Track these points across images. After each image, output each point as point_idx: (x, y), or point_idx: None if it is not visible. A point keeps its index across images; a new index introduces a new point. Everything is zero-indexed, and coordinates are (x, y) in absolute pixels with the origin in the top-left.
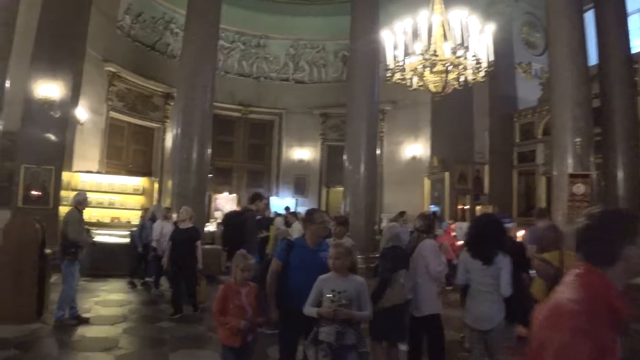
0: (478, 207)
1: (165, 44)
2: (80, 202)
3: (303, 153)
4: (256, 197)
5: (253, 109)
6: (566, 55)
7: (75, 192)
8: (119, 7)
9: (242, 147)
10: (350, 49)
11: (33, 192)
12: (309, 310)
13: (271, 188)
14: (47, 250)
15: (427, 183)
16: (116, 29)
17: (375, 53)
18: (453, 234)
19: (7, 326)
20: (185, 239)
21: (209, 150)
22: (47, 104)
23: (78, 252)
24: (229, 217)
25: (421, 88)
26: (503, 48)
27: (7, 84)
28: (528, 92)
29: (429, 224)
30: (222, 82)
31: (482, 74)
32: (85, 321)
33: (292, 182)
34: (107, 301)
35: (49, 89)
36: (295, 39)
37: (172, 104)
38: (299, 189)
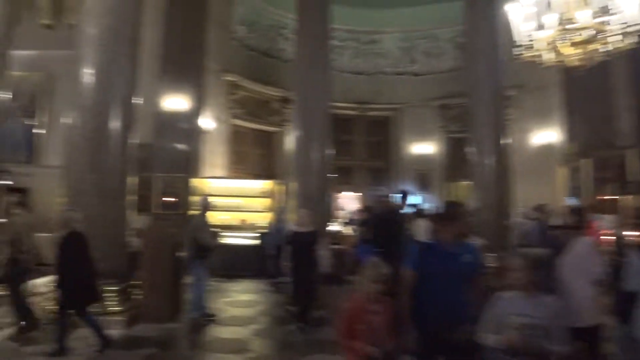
0: (628, 198)
1: (279, 49)
2: (205, 207)
3: (424, 148)
4: (404, 195)
5: (370, 106)
6: None
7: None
8: (234, 19)
9: (361, 146)
10: (466, 32)
11: (167, 199)
12: (488, 337)
13: (393, 185)
14: (180, 254)
15: (561, 172)
16: (232, 40)
17: (494, 34)
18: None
19: (147, 325)
20: (305, 243)
21: (330, 151)
22: (176, 115)
23: (207, 255)
24: (378, 216)
25: (558, 64)
26: None
27: (139, 99)
28: None
29: (580, 219)
30: (337, 81)
31: (632, 39)
32: (212, 316)
33: (413, 178)
34: (238, 302)
35: (176, 102)
36: (407, 30)
37: (289, 107)
38: (422, 185)
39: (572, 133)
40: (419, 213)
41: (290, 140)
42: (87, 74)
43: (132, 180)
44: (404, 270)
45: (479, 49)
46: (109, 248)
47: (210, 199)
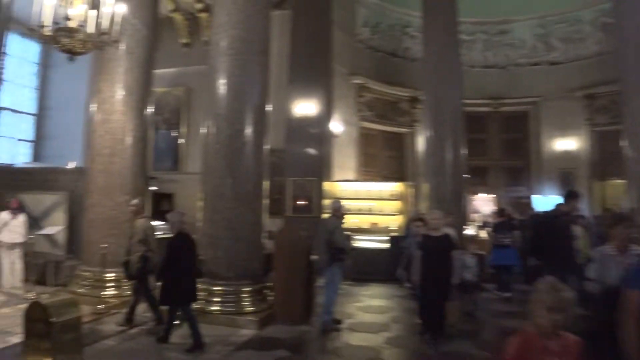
0: None
1: (405, 48)
2: (337, 209)
3: (567, 143)
4: (572, 196)
5: (503, 101)
6: None
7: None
8: (357, 22)
9: (496, 144)
10: (615, 9)
11: (299, 202)
12: None
13: (532, 186)
14: (313, 257)
15: None
16: (357, 43)
17: None
18: None
19: (280, 326)
20: (437, 249)
21: (463, 150)
22: (305, 120)
23: (342, 258)
24: (538, 221)
25: None
26: None
27: (270, 107)
28: None
29: None
30: (467, 77)
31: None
32: (339, 322)
33: (556, 177)
34: (369, 307)
35: (305, 107)
36: (542, 16)
37: (418, 107)
38: (566, 184)
39: None
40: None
41: (420, 141)
42: (221, 84)
43: (265, 185)
44: (626, 292)
45: (631, 26)
46: (245, 250)
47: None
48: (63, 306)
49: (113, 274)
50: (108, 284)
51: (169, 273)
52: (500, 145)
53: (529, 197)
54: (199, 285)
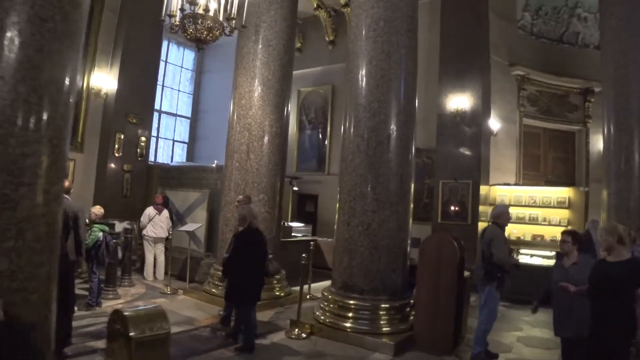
0: None
1: (574, 32)
2: (499, 216)
3: None
4: None
5: None
6: None
7: (492, 207)
8: (517, 6)
9: None
10: None
11: (451, 208)
12: None
13: None
14: (466, 272)
15: None
16: (518, 30)
17: None
18: None
19: (419, 354)
20: (614, 281)
21: None
22: (459, 117)
23: (504, 277)
24: None
25: None
26: None
27: (418, 101)
28: None
29: None
30: None
31: None
32: (494, 357)
33: None
34: (532, 339)
35: (458, 101)
36: None
37: (592, 100)
38: None
39: None
40: None
41: (596, 140)
42: (361, 70)
43: (413, 187)
44: None
45: None
46: (386, 260)
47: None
48: (148, 319)
49: None
50: None
51: (234, 270)
52: None
53: None
54: (331, 297)
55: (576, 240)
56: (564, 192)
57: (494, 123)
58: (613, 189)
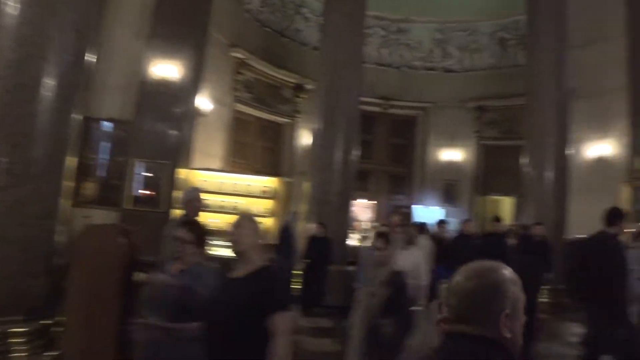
0: None
1: (296, 30)
2: (188, 202)
3: (453, 154)
4: (617, 215)
5: (394, 102)
6: None
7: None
8: None
9: (382, 147)
10: (529, 25)
11: (144, 192)
12: None
13: (414, 195)
14: (139, 275)
15: (625, 191)
16: (244, 12)
17: (562, 25)
18: None
19: None
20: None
21: (356, 150)
22: (165, 88)
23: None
24: (583, 246)
25: None
26: None
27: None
28: None
29: None
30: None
31: None
32: None
33: (439, 188)
34: None
35: (167, 69)
36: (442, 21)
37: (303, 96)
38: (448, 196)
39: (637, 146)
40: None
41: (302, 134)
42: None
43: (72, 161)
44: None
45: (542, 41)
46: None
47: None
48: None
49: None
50: None
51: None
52: (386, 149)
53: (409, 207)
54: None
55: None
56: (269, 182)
57: (205, 103)
58: (316, 181)
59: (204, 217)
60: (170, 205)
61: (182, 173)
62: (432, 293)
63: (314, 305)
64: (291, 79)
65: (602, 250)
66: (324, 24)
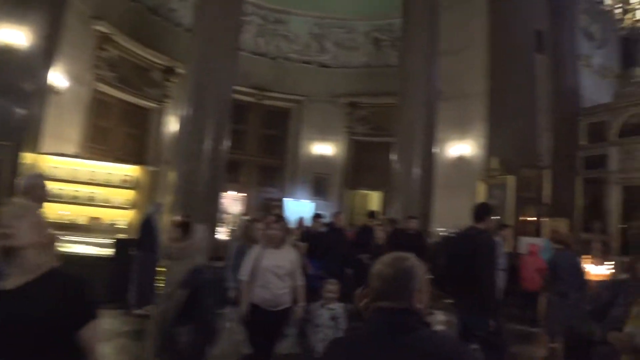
0: (548, 221)
1: (170, 9)
2: (30, 189)
3: (325, 148)
4: (485, 211)
5: (269, 93)
6: None
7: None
8: None
9: (254, 138)
10: (403, 24)
11: None
12: None
13: (285, 188)
14: None
15: (481, 188)
16: None
17: (434, 32)
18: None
19: None
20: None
21: (227, 141)
22: (9, 54)
23: None
24: (450, 244)
25: None
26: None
27: None
28: (591, 89)
29: None
30: None
31: None
32: None
33: (310, 181)
34: None
35: (12, 34)
36: (321, 16)
37: (174, 80)
38: (318, 190)
39: (494, 147)
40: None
41: (171, 121)
42: None
43: None
44: None
45: (415, 42)
46: None
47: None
48: None
49: None
50: None
51: None
52: (258, 141)
53: (280, 200)
54: None
55: None
56: (131, 171)
57: (61, 79)
58: (182, 170)
59: (54, 208)
60: (11, 193)
61: (29, 157)
62: (313, 292)
63: None
64: (161, 60)
65: (472, 245)
66: (199, 5)
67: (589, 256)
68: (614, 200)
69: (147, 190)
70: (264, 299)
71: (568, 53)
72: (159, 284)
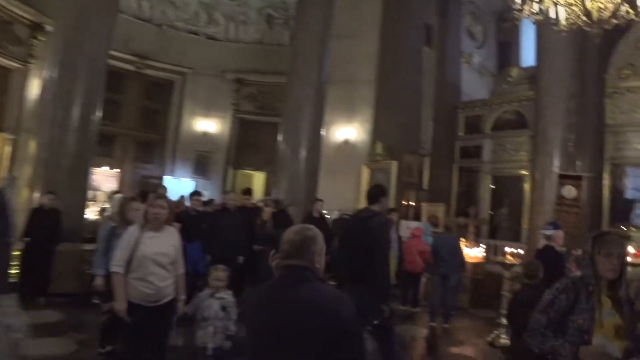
0: (427, 205)
1: None
2: None
3: (209, 125)
4: (380, 193)
5: (151, 62)
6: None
7: None
8: None
9: (132, 110)
10: (298, 3)
11: None
12: None
13: (165, 165)
14: None
15: (365, 172)
16: None
17: (328, 15)
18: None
19: None
20: None
21: (99, 111)
22: None
23: None
24: (344, 227)
25: (570, 20)
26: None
27: None
28: (470, 84)
29: None
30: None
31: None
32: None
33: (192, 159)
34: None
35: None
36: None
37: (42, 38)
38: (200, 168)
39: (379, 133)
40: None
41: (36, 84)
42: None
43: None
44: None
45: (309, 22)
46: None
47: None
48: None
49: None
50: None
51: None
52: (137, 113)
53: (159, 177)
54: None
55: None
56: None
57: None
58: (45, 139)
59: None
60: None
61: None
62: (197, 280)
63: (37, 295)
64: (27, 14)
65: (365, 228)
66: None
67: (464, 239)
68: (485, 188)
69: (3, 161)
70: (145, 294)
71: (452, 49)
72: (12, 271)
